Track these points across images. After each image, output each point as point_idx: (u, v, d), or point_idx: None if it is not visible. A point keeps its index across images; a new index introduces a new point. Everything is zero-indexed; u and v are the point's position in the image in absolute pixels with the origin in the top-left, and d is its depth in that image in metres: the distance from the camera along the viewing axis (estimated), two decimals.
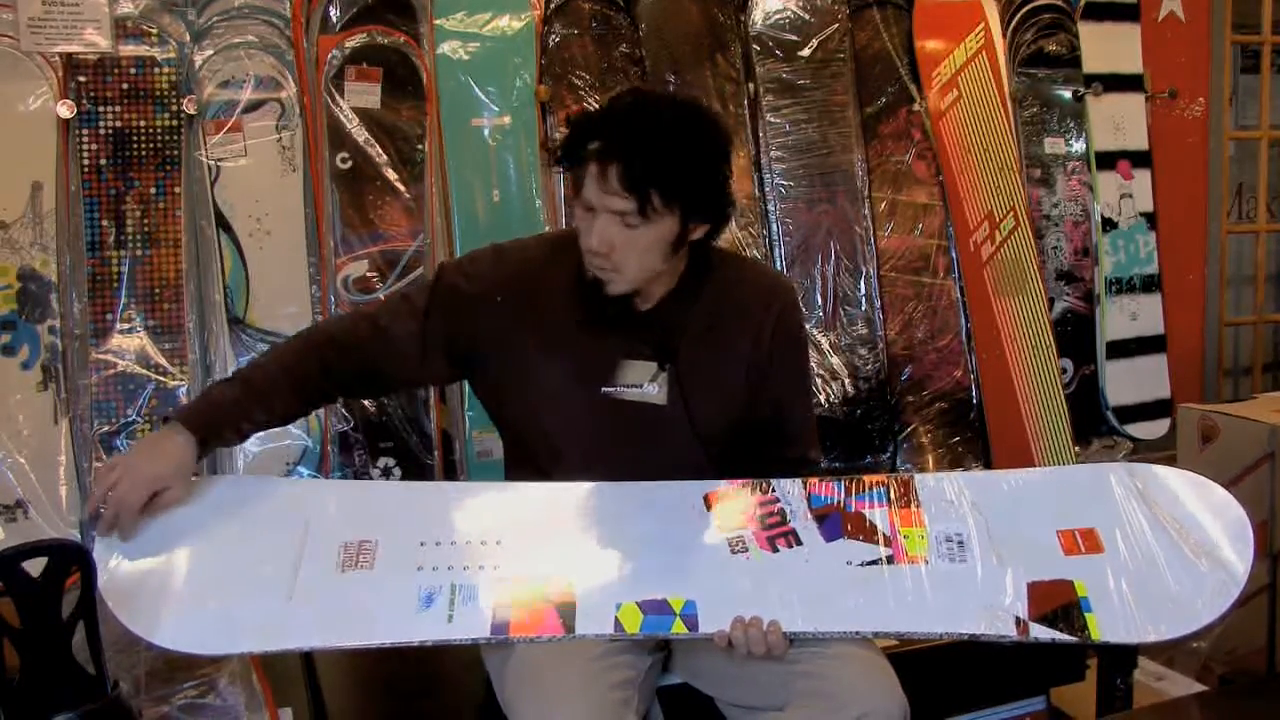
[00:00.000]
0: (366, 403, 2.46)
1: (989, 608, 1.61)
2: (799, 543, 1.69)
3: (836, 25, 2.95)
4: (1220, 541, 1.68)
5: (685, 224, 1.66)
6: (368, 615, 1.59)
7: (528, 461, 1.82)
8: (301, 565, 1.64)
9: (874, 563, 1.66)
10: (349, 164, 2.51)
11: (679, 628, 1.58)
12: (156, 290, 2.39)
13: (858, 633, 1.60)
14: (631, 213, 1.60)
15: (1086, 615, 1.60)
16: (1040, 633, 1.59)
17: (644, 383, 1.76)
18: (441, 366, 1.81)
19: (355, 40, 2.51)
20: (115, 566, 1.59)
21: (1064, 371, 3.16)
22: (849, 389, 2.87)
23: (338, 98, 2.50)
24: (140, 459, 1.62)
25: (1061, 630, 1.59)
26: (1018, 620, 1.60)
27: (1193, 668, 2.55)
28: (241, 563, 1.63)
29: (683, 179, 1.61)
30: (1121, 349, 3.27)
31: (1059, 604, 1.61)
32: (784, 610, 1.59)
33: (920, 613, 1.61)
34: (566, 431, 1.74)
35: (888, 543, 1.68)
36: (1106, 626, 1.60)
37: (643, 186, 1.58)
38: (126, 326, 2.37)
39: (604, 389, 1.75)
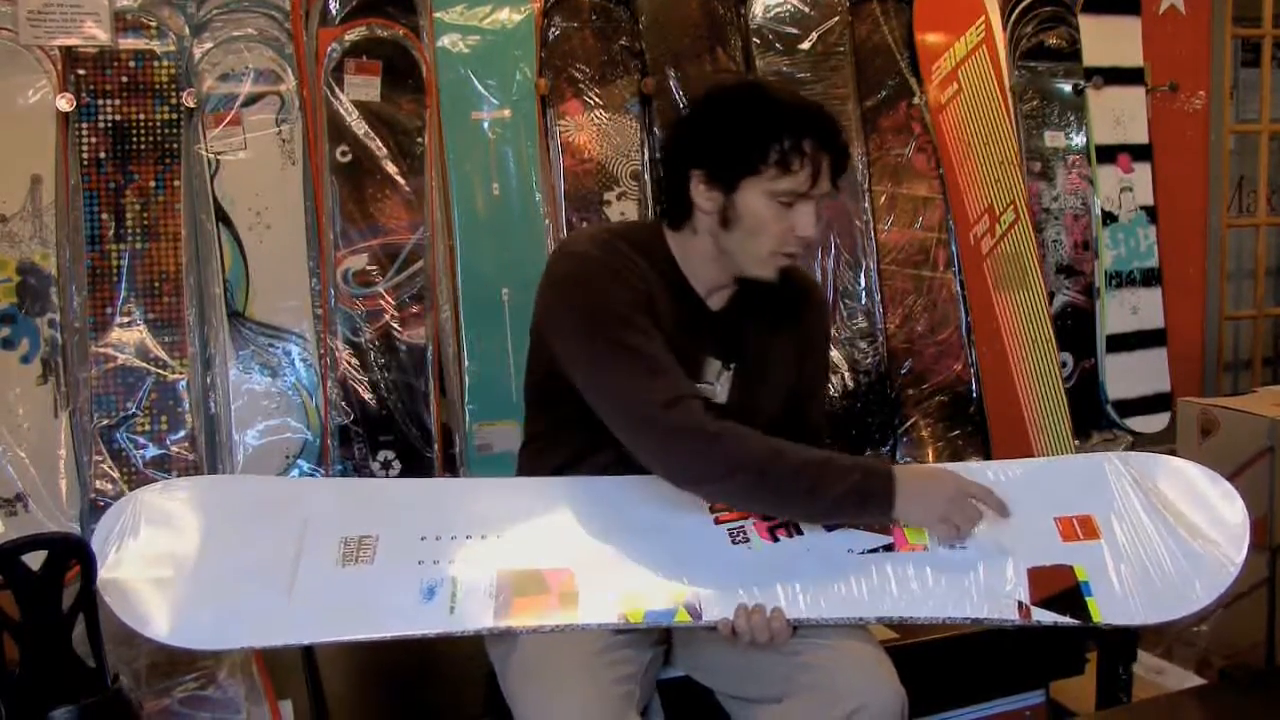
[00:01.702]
0: (366, 396, 2.46)
1: (991, 593, 1.62)
2: (799, 532, 1.70)
3: (837, 18, 2.94)
4: (1216, 523, 1.70)
5: None
6: (369, 609, 1.59)
7: (574, 450, 1.79)
8: (301, 561, 1.64)
9: (874, 551, 1.67)
10: (349, 157, 2.51)
11: (682, 617, 1.59)
12: (156, 284, 2.39)
13: (860, 618, 1.61)
14: (828, 196, 1.73)
15: (1087, 599, 1.62)
16: (1042, 616, 1.60)
17: (713, 381, 1.78)
18: None
19: (355, 33, 2.51)
20: (114, 566, 1.59)
21: (1064, 365, 3.16)
22: (849, 382, 2.87)
23: (337, 91, 2.50)
24: (940, 493, 1.66)
25: (1063, 613, 1.60)
26: (1019, 604, 1.61)
27: (1192, 661, 2.56)
28: (241, 559, 1.64)
29: None
30: (1121, 343, 3.27)
31: (1059, 588, 1.63)
32: (786, 597, 1.59)
33: (922, 598, 1.62)
34: None
35: (888, 532, 1.69)
36: (1107, 609, 1.62)
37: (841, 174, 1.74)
38: (126, 320, 2.37)
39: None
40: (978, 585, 1.63)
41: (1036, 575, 1.65)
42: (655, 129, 2.75)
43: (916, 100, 3.03)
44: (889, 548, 1.67)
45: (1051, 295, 3.17)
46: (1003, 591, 1.62)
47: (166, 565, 1.61)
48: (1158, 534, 1.69)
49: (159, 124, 2.40)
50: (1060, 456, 2.80)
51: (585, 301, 1.69)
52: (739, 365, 1.80)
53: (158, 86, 2.40)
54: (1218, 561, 1.65)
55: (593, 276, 1.70)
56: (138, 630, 1.55)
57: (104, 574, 1.57)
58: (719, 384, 1.79)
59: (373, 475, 2.45)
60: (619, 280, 1.69)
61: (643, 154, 2.74)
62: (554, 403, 1.79)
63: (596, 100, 2.71)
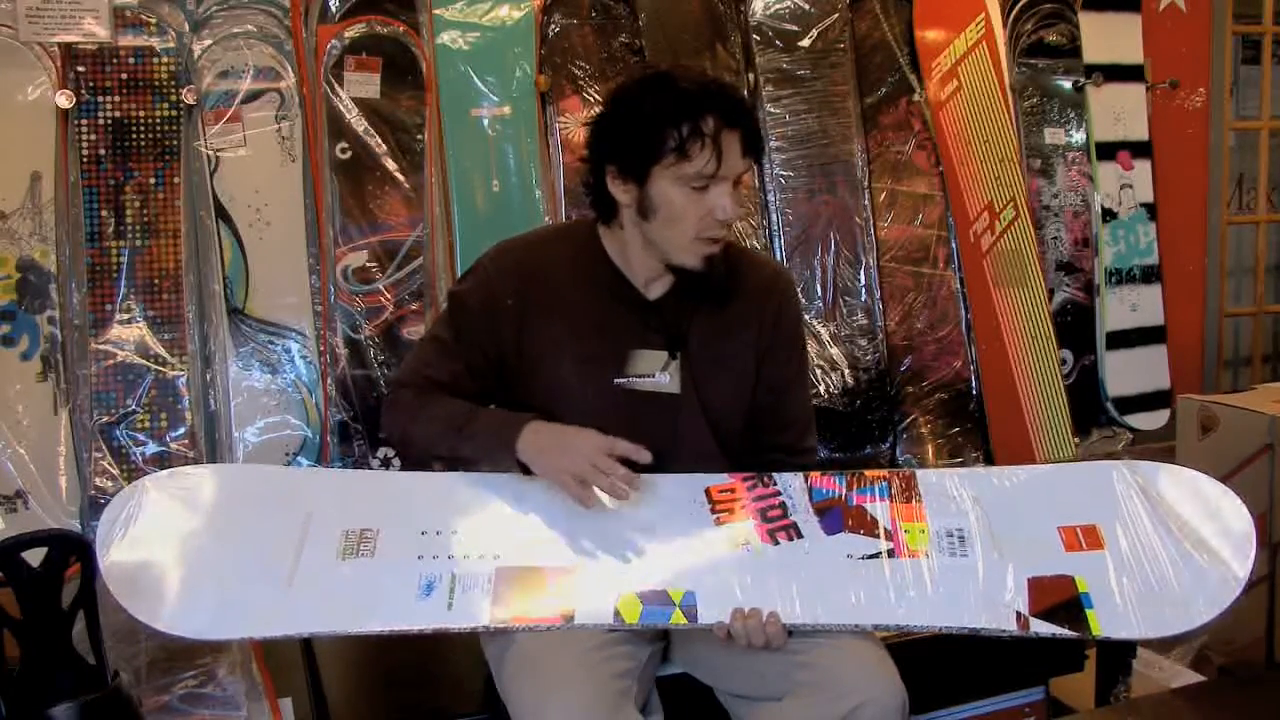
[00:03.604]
0: (366, 392, 2.47)
1: (989, 602, 1.61)
2: (799, 535, 1.69)
3: (836, 15, 2.94)
4: (1222, 539, 1.67)
5: None
6: (367, 602, 1.59)
7: None
8: (303, 553, 1.64)
9: (874, 556, 1.66)
10: (348, 154, 2.51)
11: (678, 618, 1.58)
12: (156, 281, 2.39)
13: (857, 625, 1.60)
14: (745, 173, 1.72)
15: (1087, 611, 1.60)
16: (1040, 627, 1.58)
17: (656, 372, 1.77)
18: (495, 383, 1.83)
19: (354, 30, 2.51)
20: (119, 554, 1.60)
21: (1064, 362, 3.16)
22: (849, 380, 2.87)
23: (337, 88, 2.49)
24: (569, 445, 1.67)
25: (1062, 625, 1.59)
26: (1018, 615, 1.59)
27: (1191, 658, 2.55)
28: (243, 550, 1.64)
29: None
30: (1121, 339, 3.27)
31: (1059, 599, 1.61)
32: (783, 602, 1.59)
33: (920, 606, 1.61)
34: (582, 424, 1.73)
35: (888, 537, 1.68)
36: (1106, 622, 1.59)
37: (758, 149, 1.72)
38: (126, 317, 2.37)
39: (617, 380, 1.77)
40: (976, 594, 1.61)
41: (1037, 585, 1.63)
42: None
43: (916, 97, 3.03)
44: (891, 553, 1.67)
45: (1051, 292, 3.17)
46: (1002, 601, 1.61)
47: (170, 553, 1.61)
48: (1163, 546, 1.67)
49: (158, 121, 2.40)
50: (1066, 464, 2.79)
51: (448, 293, 1.90)
52: (686, 354, 1.79)
53: (157, 83, 2.40)
54: (1222, 576, 1.63)
55: (463, 278, 1.87)
56: (138, 618, 1.55)
57: (108, 560, 1.57)
58: (666, 374, 1.77)
59: None
60: (481, 288, 1.80)
61: None
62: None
63: (596, 97, 2.70)
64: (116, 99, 2.37)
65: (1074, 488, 1.78)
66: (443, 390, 1.78)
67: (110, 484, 2.30)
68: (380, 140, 2.52)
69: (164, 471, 1.77)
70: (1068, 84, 3.21)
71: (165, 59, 2.40)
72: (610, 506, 1.68)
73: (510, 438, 1.69)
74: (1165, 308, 3.33)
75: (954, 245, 3.03)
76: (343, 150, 2.50)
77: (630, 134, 1.69)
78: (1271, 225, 3.86)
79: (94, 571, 1.54)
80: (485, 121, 2.64)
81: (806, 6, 2.92)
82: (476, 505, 1.72)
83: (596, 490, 1.66)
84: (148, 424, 2.36)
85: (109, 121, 2.37)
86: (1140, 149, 3.31)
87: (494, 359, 1.79)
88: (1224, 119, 3.56)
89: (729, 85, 1.74)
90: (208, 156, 2.43)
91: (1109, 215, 3.25)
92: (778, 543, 1.68)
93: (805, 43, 2.91)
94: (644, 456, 1.64)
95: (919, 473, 1.80)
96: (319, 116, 2.49)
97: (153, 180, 2.39)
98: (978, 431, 3.01)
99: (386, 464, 2.46)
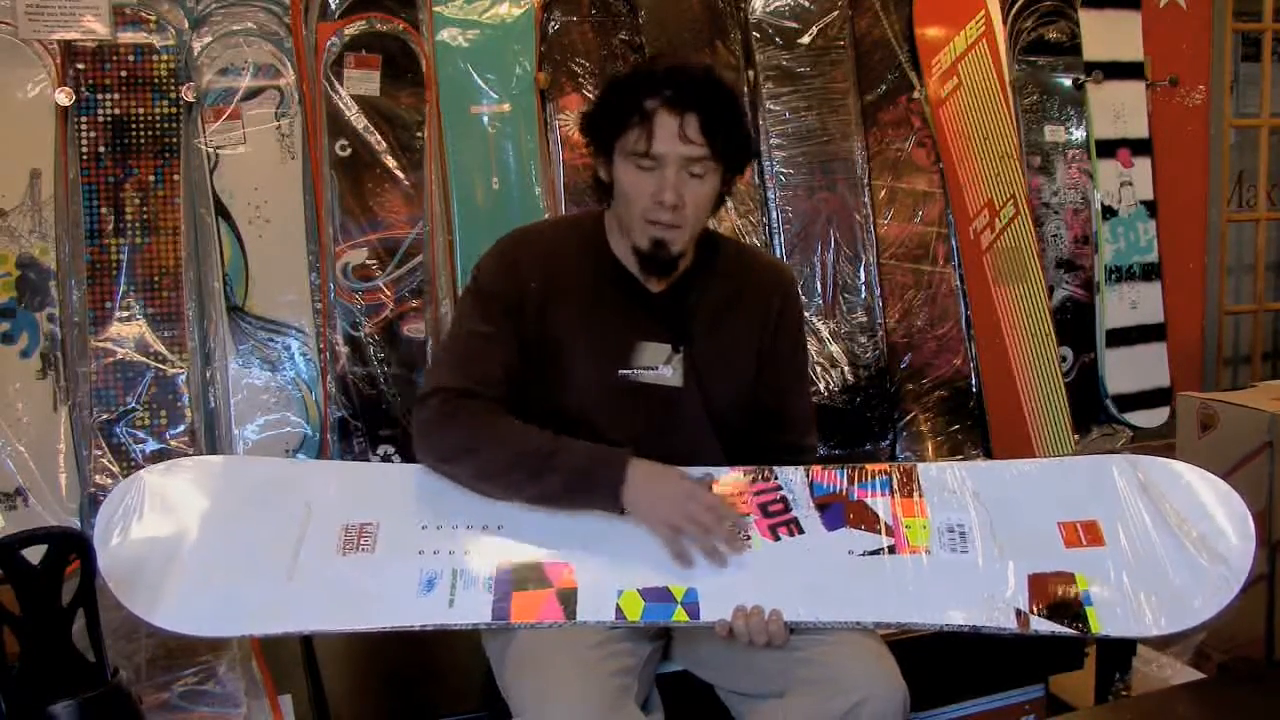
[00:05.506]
0: (366, 389, 2.46)
1: (990, 599, 1.61)
2: (801, 531, 1.69)
3: (836, 12, 2.94)
4: (1222, 537, 1.67)
5: (723, 181, 1.74)
6: (368, 598, 1.59)
7: None
8: (302, 547, 1.64)
9: (875, 552, 1.66)
10: (348, 151, 2.50)
11: (680, 616, 1.58)
12: (156, 278, 2.39)
13: (858, 623, 1.60)
14: (705, 159, 1.67)
15: (1086, 608, 1.60)
16: (1040, 625, 1.59)
17: (659, 365, 1.78)
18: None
19: (354, 27, 2.51)
20: (117, 547, 1.59)
21: (1063, 360, 3.16)
22: (848, 377, 2.87)
23: (337, 85, 2.49)
24: (670, 490, 1.64)
25: (1061, 623, 1.59)
26: (1018, 612, 1.59)
27: (1190, 655, 2.55)
28: (242, 544, 1.64)
29: (740, 131, 1.72)
30: (1121, 337, 3.27)
31: (1059, 596, 1.61)
32: (785, 599, 1.59)
33: (921, 603, 1.61)
34: (585, 413, 1.74)
35: (889, 532, 1.68)
36: (1106, 620, 1.59)
37: (715, 134, 1.66)
38: (126, 314, 2.37)
39: (621, 371, 1.77)
40: (977, 591, 1.61)
41: (1037, 582, 1.63)
42: None
43: (916, 94, 3.02)
44: (892, 549, 1.67)
45: (1051, 289, 3.17)
46: (1002, 598, 1.61)
47: (169, 548, 1.61)
48: (1163, 544, 1.67)
49: (158, 118, 2.40)
50: (1067, 458, 2.79)
51: (469, 285, 1.82)
52: (689, 349, 1.79)
53: (157, 80, 2.40)
54: (1222, 575, 1.63)
55: (485, 266, 1.81)
56: (137, 614, 1.55)
57: (106, 555, 1.57)
58: (669, 368, 1.78)
59: None
60: (507, 274, 1.77)
61: None
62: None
63: (596, 94, 2.70)
64: (116, 96, 2.37)
65: (1075, 482, 1.78)
66: (500, 387, 1.71)
67: (110, 481, 2.30)
68: (380, 137, 2.52)
69: (161, 464, 1.76)
70: (1068, 81, 3.21)
71: (165, 56, 2.40)
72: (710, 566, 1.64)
73: (614, 480, 1.63)
74: (1165, 305, 3.34)
75: (954, 242, 3.03)
76: (342, 147, 2.50)
77: (598, 111, 1.75)
78: (1271, 223, 3.86)
79: (93, 569, 1.53)
80: (485, 119, 2.64)
81: (806, 4, 2.91)
82: (477, 499, 1.72)
83: (692, 549, 1.63)
84: (147, 421, 2.36)
85: (109, 119, 2.37)
86: (1140, 146, 3.31)
87: (520, 346, 1.76)
88: (1224, 116, 3.56)
89: (693, 71, 1.70)
90: (207, 154, 2.43)
91: (1109, 213, 3.25)
92: (779, 538, 1.68)
93: (805, 40, 2.91)
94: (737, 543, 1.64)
95: (920, 466, 1.80)
96: (319, 114, 2.49)
97: (152, 177, 2.39)
98: (977, 429, 3.01)
99: (386, 461, 2.46)
